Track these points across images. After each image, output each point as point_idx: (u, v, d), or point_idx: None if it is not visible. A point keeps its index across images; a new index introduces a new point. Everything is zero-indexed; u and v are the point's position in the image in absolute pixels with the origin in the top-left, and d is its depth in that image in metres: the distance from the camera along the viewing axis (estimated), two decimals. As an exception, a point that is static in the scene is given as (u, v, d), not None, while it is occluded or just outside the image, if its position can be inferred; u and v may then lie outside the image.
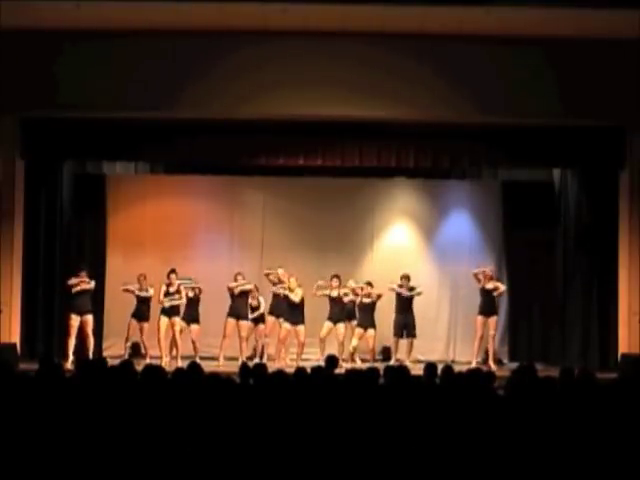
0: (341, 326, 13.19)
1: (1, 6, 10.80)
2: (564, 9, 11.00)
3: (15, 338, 12.40)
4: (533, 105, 12.21)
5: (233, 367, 10.94)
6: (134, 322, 13.01)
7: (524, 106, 12.21)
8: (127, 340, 13.13)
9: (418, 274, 14.18)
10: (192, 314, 13.13)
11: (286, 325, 13.05)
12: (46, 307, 13.17)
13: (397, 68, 12.03)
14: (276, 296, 13.29)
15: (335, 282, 13.18)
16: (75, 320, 12.66)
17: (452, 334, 14.41)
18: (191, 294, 13.13)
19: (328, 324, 13.20)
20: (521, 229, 14.19)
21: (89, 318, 12.77)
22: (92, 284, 12.83)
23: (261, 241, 14.50)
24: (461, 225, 14.53)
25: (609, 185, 13.00)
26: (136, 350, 13.39)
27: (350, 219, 14.33)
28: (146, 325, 13.01)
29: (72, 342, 12.63)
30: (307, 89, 12.07)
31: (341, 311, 13.24)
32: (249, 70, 12.03)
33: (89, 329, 12.74)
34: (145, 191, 14.37)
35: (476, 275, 13.24)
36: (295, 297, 12.96)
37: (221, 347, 13.12)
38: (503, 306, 14.19)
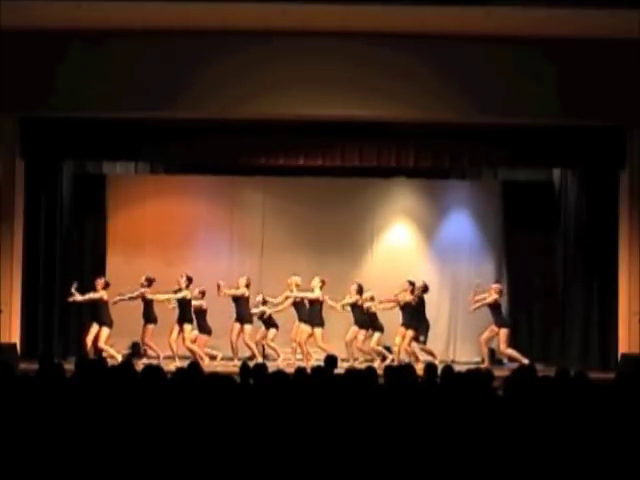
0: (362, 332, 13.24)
1: (1, 6, 10.80)
2: (564, 9, 10.99)
3: (15, 338, 12.41)
4: (533, 105, 12.20)
5: (233, 367, 10.99)
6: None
7: (524, 106, 12.21)
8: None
9: (418, 274, 14.19)
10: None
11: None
12: (46, 307, 13.16)
13: (397, 68, 12.02)
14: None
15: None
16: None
17: (452, 334, 14.42)
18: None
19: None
20: (521, 229, 14.18)
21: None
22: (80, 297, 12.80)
23: (261, 241, 14.50)
24: (461, 225, 14.53)
25: (609, 185, 12.99)
26: (136, 350, 13.39)
27: (350, 219, 14.33)
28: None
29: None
30: (307, 89, 12.06)
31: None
32: (249, 70, 12.02)
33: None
34: (145, 191, 14.37)
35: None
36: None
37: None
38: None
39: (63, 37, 11.91)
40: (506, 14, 11.22)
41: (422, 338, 13.09)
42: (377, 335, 13.23)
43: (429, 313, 13.82)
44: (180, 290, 12.92)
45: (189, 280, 12.99)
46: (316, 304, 13.07)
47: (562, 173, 13.90)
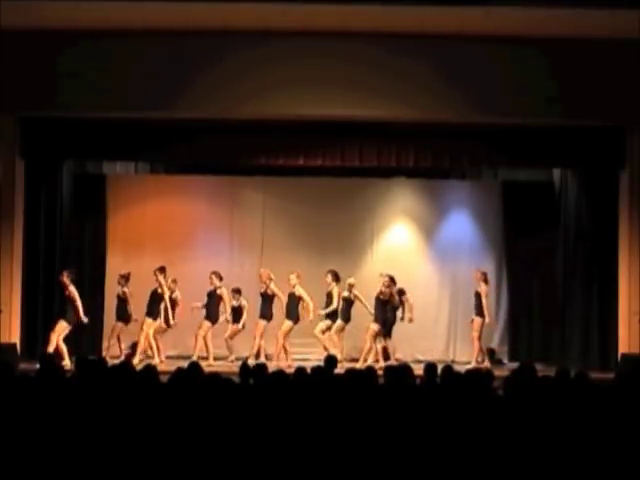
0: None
1: (1, 6, 10.80)
2: (564, 9, 10.99)
3: (15, 338, 12.40)
4: (533, 105, 12.20)
5: (233, 367, 10.99)
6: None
7: (524, 106, 12.20)
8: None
9: (418, 274, 14.22)
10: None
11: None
12: (46, 307, 13.16)
13: (397, 68, 12.02)
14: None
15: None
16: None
17: (452, 334, 14.41)
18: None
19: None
20: (521, 229, 14.19)
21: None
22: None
23: (261, 241, 14.50)
24: (461, 225, 14.53)
25: (609, 185, 13.00)
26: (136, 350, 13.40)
27: (350, 219, 14.33)
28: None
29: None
30: (307, 89, 12.06)
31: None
32: (249, 70, 12.02)
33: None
34: (145, 191, 14.37)
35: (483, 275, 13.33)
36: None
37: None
38: (503, 306, 14.20)
39: (63, 37, 11.90)
40: (506, 14, 11.21)
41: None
42: (341, 324, 13.28)
43: (429, 313, 13.85)
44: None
45: (162, 271, 13.16)
46: (294, 300, 13.16)
47: (562, 173, 13.91)
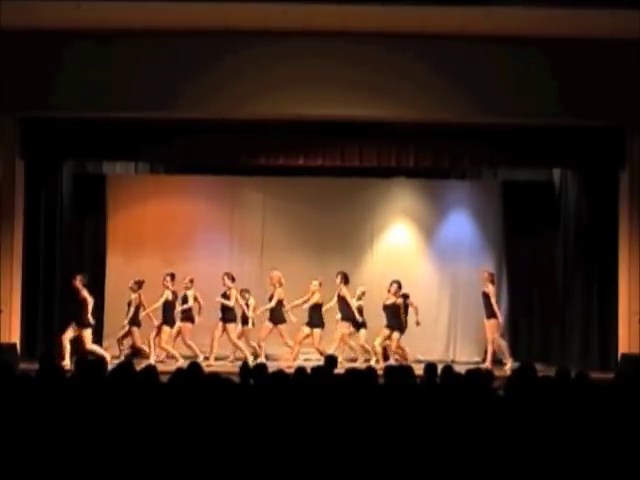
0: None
1: (1, 6, 10.80)
2: (565, 9, 10.99)
3: (15, 338, 12.40)
4: (533, 105, 12.21)
5: (233, 367, 10.99)
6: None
7: (524, 106, 12.21)
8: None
9: (418, 274, 14.22)
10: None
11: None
12: (46, 307, 13.17)
13: (397, 68, 12.03)
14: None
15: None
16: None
17: (452, 334, 14.41)
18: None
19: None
20: (521, 229, 14.19)
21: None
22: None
23: (261, 241, 14.50)
24: (461, 225, 14.53)
25: (609, 185, 13.00)
26: (136, 350, 13.39)
27: (350, 219, 14.33)
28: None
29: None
30: (307, 89, 12.07)
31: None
32: (249, 70, 12.03)
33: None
34: (145, 191, 14.38)
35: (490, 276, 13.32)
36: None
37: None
38: (503, 306, 14.20)
39: (63, 37, 11.91)
40: (507, 14, 11.22)
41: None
42: (363, 332, 13.30)
43: (429, 313, 13.83)
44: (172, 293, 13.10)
45: (172, 278, 13.12)
46: (316, 306, 13.11)
47: (562, 173, 13.91)
